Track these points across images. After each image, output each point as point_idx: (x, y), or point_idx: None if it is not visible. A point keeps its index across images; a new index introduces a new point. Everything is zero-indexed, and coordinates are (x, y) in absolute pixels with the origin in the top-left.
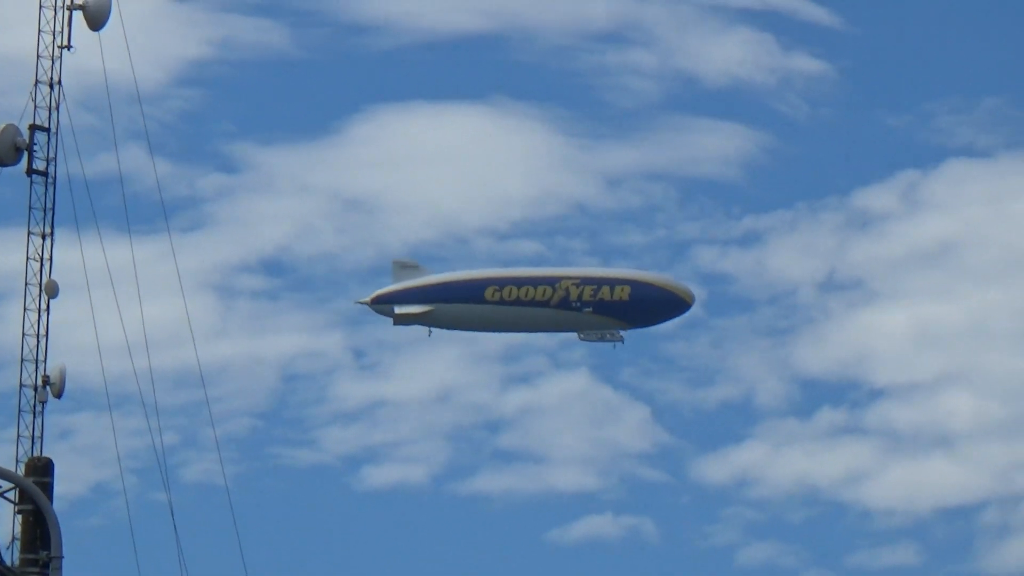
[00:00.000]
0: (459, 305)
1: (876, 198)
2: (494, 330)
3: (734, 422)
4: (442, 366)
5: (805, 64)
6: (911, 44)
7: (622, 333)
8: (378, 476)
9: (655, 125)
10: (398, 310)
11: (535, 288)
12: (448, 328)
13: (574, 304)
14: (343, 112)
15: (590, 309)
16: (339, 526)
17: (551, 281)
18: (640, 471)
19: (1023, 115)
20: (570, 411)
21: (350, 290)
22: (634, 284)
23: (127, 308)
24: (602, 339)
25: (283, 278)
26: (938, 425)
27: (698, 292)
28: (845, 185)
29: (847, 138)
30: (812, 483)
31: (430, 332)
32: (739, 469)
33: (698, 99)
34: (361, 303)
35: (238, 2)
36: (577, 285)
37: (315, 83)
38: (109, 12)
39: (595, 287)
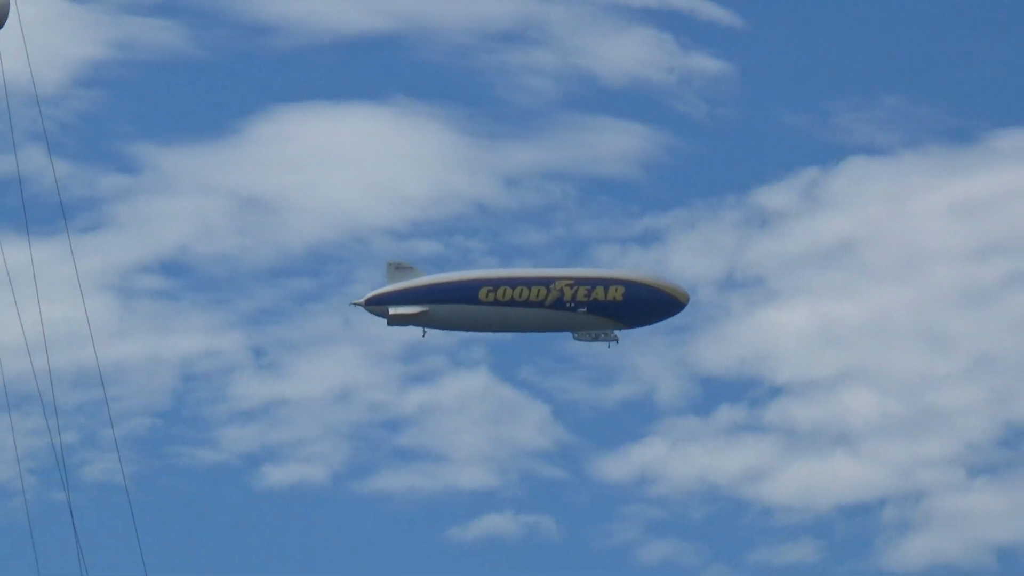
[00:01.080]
0: (453, 306)
1: (776, 196)
2: (488, 331)
3: (634, 420)
4: (342, 365)
5: (704, 63)
6: (811, 43)
7: (617, 333)
8: (278, 475)
9: (555, 124)
10: (393, 311)
11: (529, 289)
12: (442, 329)
13: (568, 305)
14: (243, 112)
15: (584, 309)
16: (239, 525)
17: (545, 282)
18: (540, 469)
19: (923, 113)
20: (470, 409)
21: (250, 290)
22: (628, 284)
23: (26, 308)
24: (597, 339)
25: (183, 278)
26: (838, 422)
27: None
28: (745, 183)
29: (747, 137)
30: (712, 481)
31: (424, 333)
32: (639, 467)
33: (598, 98)
34: (356, 304)
35: (137, 3)
36: (571, 286)
37: (215, 83)
38: (7, 13)
39: (589, 287)
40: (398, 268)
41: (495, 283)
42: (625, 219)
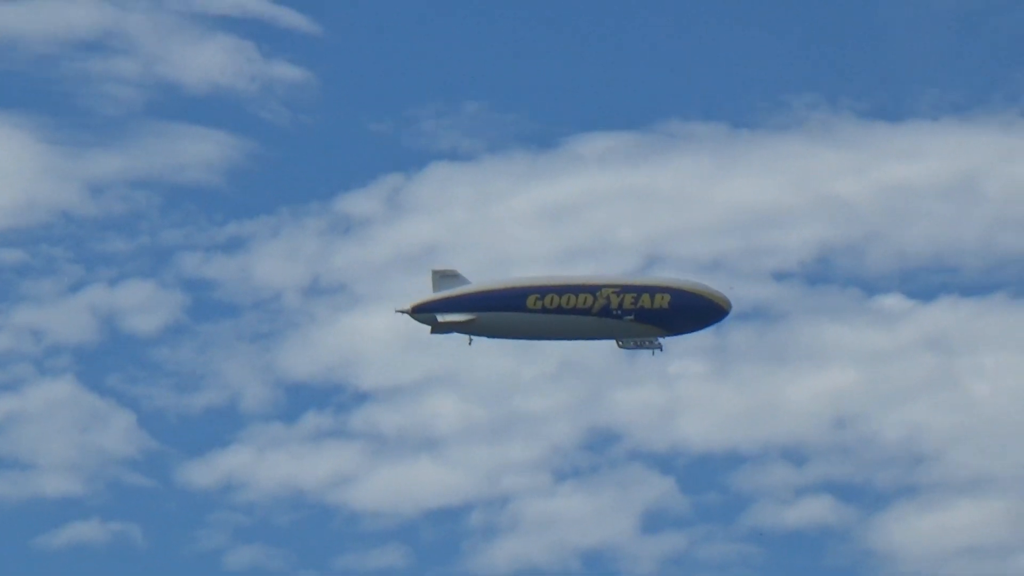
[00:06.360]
0: (501, 314)
1: (359, 203)
2: (535, 338)
3: (220, 427)
4: None
5: (286, 71)
6: (392, 50)
7: (660, 340)
8: None
9: (138, 132)
10: (441, 319)
11: (576, 296)
12: (490, 337)
13: (615, 312)
14: None
15: (631, 317)
16: None
17: (592, 289)
18: (126, 477)
19: (504, 118)
20: (56, 417)
21: None
22: (674, 292)
23: None
24: (641, 346)
25: None
26: (423, 427)
27: (182, 299)
28: (328, 190)
29: (330, 144)
30: (298, 486)
31: (471, 341)
32: (225, 474)
33: (181, 106)
34: (401, 312)
35: None
36: (618, 293)
37: None
38: None
39: (635, 295)
40: (444, 276)
41: (543, 291)
42: (209, 227)
